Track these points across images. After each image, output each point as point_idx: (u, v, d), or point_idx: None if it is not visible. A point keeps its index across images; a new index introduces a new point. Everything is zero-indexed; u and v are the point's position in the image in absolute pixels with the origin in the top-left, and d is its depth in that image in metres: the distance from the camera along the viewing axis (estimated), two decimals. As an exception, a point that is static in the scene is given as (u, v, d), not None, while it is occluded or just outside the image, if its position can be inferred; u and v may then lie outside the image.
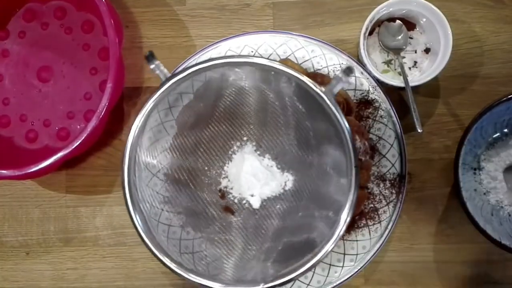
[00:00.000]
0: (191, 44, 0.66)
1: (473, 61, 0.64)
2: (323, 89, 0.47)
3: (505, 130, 0.62)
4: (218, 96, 0.56)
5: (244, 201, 0.56)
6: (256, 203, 0.56)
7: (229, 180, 0.56)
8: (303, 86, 0.48)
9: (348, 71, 0.45)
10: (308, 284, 0.60)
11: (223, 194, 0.57)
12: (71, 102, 0.66)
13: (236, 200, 0.56)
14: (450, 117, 0.64)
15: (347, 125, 0.47)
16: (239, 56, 0.53)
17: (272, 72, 0.49)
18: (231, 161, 0.57)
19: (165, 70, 0.50)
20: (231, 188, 0.57)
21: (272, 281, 0.47)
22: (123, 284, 0.65)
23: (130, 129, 0.50)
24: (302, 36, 0.62)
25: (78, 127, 0.66)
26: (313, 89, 0.47)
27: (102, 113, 0.57)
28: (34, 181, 0.67)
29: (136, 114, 0.50)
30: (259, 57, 0.53)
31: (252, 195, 0.56)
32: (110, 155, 0.66)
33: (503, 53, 0.64)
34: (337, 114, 0.47)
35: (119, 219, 0.65)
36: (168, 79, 0.49)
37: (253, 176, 0.56)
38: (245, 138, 0.56)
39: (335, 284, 0.60)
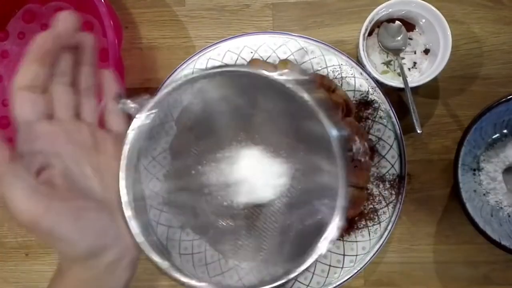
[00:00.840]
0: (190, 45, 0.66)
1: (472, 62, 0.64)
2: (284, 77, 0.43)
3: (505, 131, 0.61)
4: (200, 112, 0.55)
5: (252, 203, 0.56)
6: (265, 200, 0.55)
7: (232, 187, 0.56)
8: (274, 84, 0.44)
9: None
10: (307, 285, 0.60)
11: (230, 203, 0.56)
12: (70, 103, 0.66)
13: (244, 205, 0.56)
14: (450, 118, 0.64)
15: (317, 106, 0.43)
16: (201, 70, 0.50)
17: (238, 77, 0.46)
18: (228, 169, 0.56)
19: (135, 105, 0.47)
20: (237, 194, 0.56)
21: (294, 270, 0.46)
22: (123, 285, 0.65)
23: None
24: (302, 37, 0.62)
25: (78, 128, 0.66)
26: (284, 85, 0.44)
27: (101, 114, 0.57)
28: (33, 182, 0.67)
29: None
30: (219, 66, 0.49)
31: (259, 194, 0.55)
32: (109, 156, 0.66)
33: (503, 54, 0.64)
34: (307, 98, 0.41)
35: (119, 220, 0.65)
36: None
37: (256, 176, 0.55)
38: (235, 145, 0.56)
39: (334, 285, 0.60)
